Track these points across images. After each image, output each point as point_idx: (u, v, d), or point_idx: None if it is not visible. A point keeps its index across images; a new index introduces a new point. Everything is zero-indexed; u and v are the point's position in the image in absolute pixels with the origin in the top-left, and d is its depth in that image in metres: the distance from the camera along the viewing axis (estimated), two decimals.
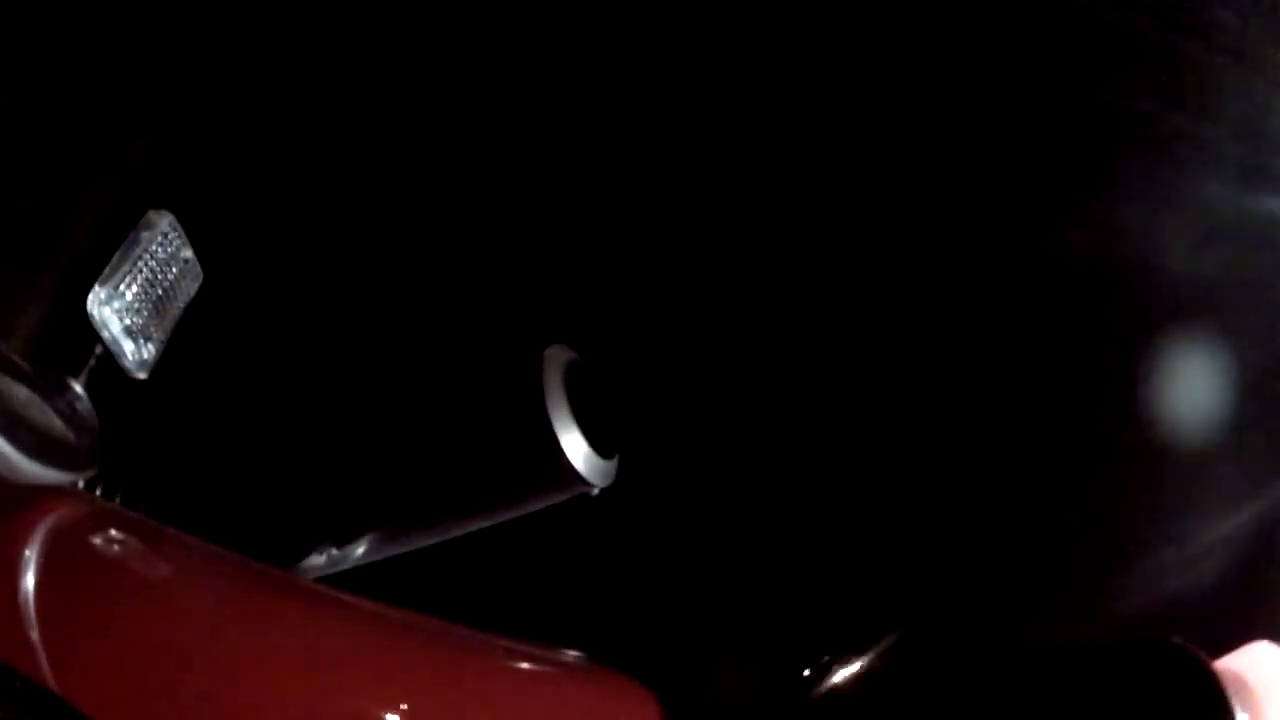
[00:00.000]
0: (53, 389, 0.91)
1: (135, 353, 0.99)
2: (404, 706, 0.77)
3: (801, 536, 1.45)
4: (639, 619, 1.43)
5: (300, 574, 1.14)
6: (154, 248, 1.01)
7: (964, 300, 1.41)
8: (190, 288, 1.07)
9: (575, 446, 1.09)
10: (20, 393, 0.85)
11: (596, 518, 1.18)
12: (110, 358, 0.97)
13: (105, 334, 0.96)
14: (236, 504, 1.17)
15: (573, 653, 0.94)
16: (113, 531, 0.83)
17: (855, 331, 1.44)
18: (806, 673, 0.90)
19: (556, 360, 1.12)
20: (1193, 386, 1.35)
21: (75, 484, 0.89)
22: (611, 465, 1.14)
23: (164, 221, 1.03)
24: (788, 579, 1.44)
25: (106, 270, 0.96)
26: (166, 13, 1.41)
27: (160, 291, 1.02)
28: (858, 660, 0.93)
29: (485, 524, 1.16)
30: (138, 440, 1.04)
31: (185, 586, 0.83)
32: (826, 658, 0.93)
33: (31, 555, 0.73)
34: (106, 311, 0.96)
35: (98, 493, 0.97)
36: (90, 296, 0.94)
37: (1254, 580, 1.37)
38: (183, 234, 1.05)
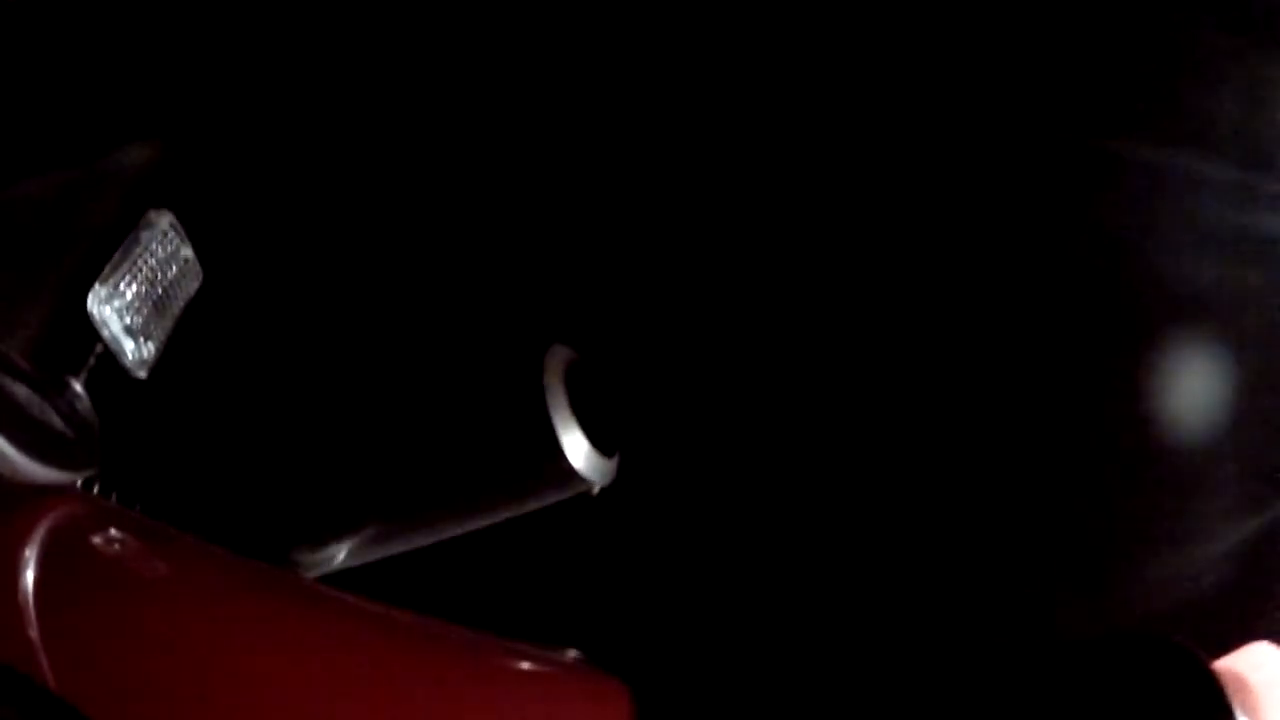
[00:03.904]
0: (53, 389, 0.90)
1: (135, 352, 0.99)
2: (404, 707, 0.77)
3: (801, 536, 1.45)
4: (638, 619, 1.43)
5: (300, 573, 1.14)
6: (154, 247, 1.01)
7: (967, 307, 1.41)
8: (190, 287, 1.07)
9: (575, 446, 1.09)
10: (20, 392, 0.85)
11: (596, 518, 1.18)
12: (110, 357, 0.97)
13: (105, 333, 0.96)
14: (236, 503, 1.17)
15: (571, 652, 0.94)
16: (113, 531, 0.83)
17: (856, 331, 1.44)
18: None
19: (556, 360, 1.12)
20: (1193, 391, 1.35)
21: (75, 484, 0.89)
22: (611, 465, 1.14)
23: (164, 221, 1.03)
24: (787, 579, 1.44)
25: (106, 269, 0.96)
26: (166, 12, 1.41)
27: (160, 291, 1.02)
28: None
29: (485, 524, 1.16)
30: (138, 440, 1.04)
31: (185, 586, 0.83)
32: None
33: (31, 555, 0.73)
34: (106, 310, 0.96)
35: (97, 492, 0.97)
36: (90, 295, 0.94)
37: (1254, 580, 1.37)
38: (183, 234, 1.05)
